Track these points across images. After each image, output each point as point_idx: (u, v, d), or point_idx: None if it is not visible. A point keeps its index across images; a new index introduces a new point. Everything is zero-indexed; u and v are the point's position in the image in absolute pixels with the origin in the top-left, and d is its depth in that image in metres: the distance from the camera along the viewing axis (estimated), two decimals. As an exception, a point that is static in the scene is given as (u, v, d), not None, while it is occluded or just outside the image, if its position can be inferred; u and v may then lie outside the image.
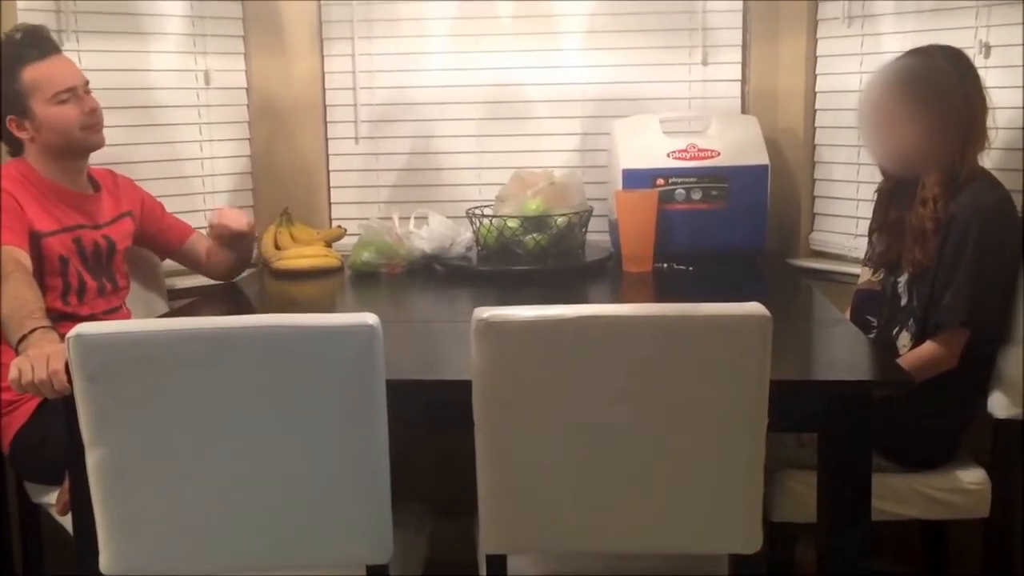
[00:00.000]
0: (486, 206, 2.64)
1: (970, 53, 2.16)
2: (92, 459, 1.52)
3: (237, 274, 2.52)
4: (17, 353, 1.82)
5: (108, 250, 2.29)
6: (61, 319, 2.05)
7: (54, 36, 2.29)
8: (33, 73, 2.17)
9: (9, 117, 2.18)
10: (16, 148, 2.23)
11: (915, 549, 2.36)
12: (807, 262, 2.78)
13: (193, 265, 2.53)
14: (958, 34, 2.32)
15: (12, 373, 1.74)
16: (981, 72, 2.09)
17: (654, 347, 1.49)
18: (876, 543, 1.70)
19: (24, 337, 1.85)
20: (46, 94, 2.17)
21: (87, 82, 2.25)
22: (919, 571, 2.37)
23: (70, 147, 2.22)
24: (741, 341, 1.48)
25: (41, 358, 1.73)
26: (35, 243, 2.13)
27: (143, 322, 1.91)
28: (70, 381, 1.54)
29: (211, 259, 2.48)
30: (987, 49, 2.29)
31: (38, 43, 2.20)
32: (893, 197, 2.20)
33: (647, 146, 2.64)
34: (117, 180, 2.40)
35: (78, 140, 2.22)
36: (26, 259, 2.05)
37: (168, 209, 2.52)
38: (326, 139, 2.93)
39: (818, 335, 2.11)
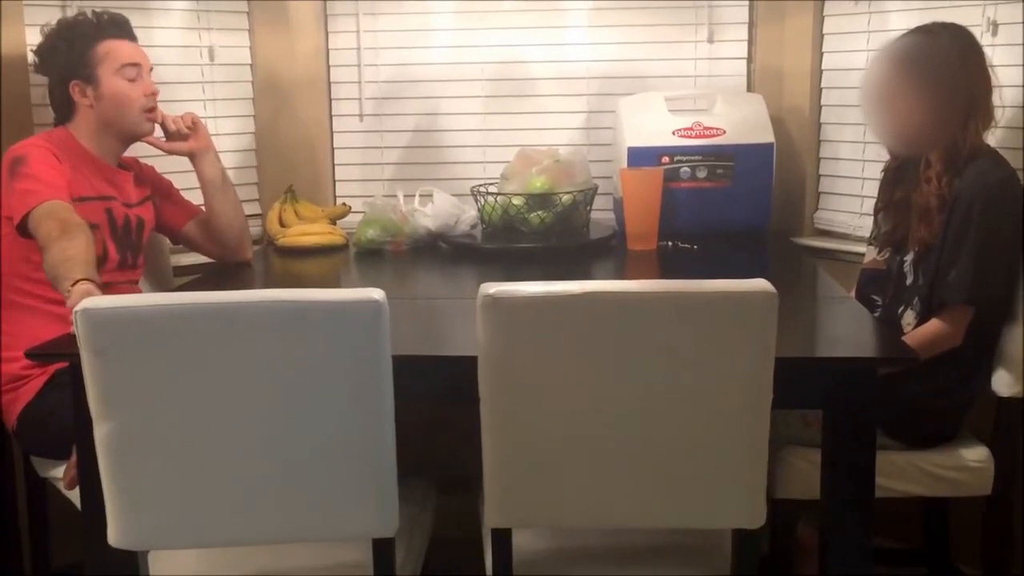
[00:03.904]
0: (491, 184, 2.63)
1: (977, 31, 2.15)
2: (100, 433, 1.53)
3: (238, 254, 2.49)
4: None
5: (137, 227, 2.32)
6: None
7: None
8: (108, 47, 2.25)
9: (74, 82, 2.23)
10: (64, 116, 2.27)
11: (917, 526, 2.38)
12: (812, 241, 2.77)
13: (198, 245, 2.51)
14: (966, 11, 2.30)
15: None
16: (988, 50, 2.08)
17: (660, 323, 1.50)
18: (878, 520, 1.71)
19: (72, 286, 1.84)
20: (115, 64, 2.24)
21: (151, 68, 2.32)
22: (920, 548, 2.38)
23: (124, 124, 2.27)
24: (747, 317, 1.49)
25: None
26: None
27: (151, 296, 1.90)
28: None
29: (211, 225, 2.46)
30: (994, 27, 2.28)
31: (121, 26, 2.29)
32: (899, 176, 2.19)
33: (652, 124, 2.63)
34: (141, 166, 2.43)
35: (134, 120, 2.28)
36: (73, 213, 2.06)
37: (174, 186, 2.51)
38: (330, 116, 2.92)
39: (823, 313, 2.11)
